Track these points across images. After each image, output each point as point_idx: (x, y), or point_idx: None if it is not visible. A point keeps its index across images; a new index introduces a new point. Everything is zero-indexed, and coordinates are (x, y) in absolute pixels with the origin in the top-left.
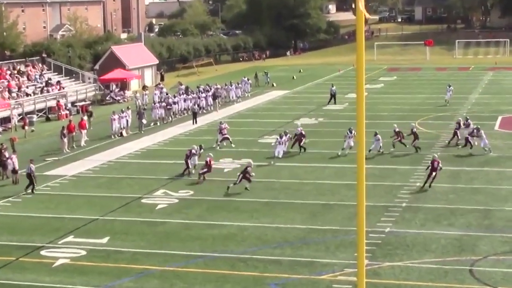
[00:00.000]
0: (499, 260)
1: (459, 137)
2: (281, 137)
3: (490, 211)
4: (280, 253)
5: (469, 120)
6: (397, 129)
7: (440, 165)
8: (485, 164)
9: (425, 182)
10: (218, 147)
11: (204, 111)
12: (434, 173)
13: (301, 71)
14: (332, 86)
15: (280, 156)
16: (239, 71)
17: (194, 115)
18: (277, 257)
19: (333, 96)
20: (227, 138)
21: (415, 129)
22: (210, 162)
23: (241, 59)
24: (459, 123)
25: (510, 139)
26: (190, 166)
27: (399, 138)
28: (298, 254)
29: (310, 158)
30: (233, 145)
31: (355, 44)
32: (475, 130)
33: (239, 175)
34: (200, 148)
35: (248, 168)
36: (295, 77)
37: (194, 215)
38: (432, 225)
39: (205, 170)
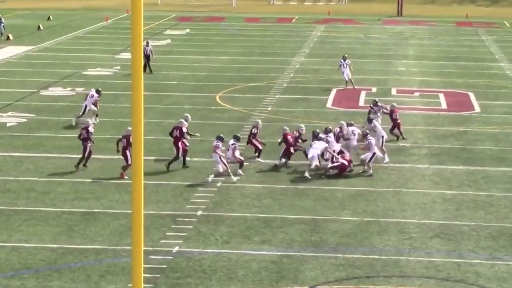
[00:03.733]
0: None
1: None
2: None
3: (319, 222)
4: (20, 285)
5: None
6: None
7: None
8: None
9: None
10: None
11: None
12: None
13: (51, 18)
14: (147, 45)
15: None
16: None
17: None
18: None
19: (147, 57)
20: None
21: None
22: None
23: None
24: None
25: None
26: None
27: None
28: (46, 286)
29: (65, 147)
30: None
31: None
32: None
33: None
34: None
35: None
36: (41, 27)
37: None
38: (240, 242)
39: None
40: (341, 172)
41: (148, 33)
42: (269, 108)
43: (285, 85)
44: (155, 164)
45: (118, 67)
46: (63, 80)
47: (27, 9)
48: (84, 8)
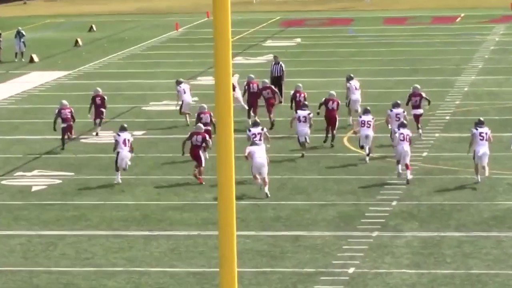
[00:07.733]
0: None
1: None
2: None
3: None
4: None
5: None
6: None
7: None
8: None
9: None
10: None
11: None
12: None
13: (94, 28)
14: (276, 62)
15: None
16: None
17: None
18: None
19: (277, 81)
20: None
21: None
22: None
23: None
24: None
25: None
26: None
27: None
28: None
29: (119, 219)
30: None
31: None
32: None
33: None
34: None
35: None
36: (80, 42)
37: None
38: None
39: None
40: None
41: (240, 45)
42: (424, 154)
43: (447, 117)
44: (252, 243)
45: (196, 98)
46: (114, 119)
47: (59, 15)
48: (141, 13)
